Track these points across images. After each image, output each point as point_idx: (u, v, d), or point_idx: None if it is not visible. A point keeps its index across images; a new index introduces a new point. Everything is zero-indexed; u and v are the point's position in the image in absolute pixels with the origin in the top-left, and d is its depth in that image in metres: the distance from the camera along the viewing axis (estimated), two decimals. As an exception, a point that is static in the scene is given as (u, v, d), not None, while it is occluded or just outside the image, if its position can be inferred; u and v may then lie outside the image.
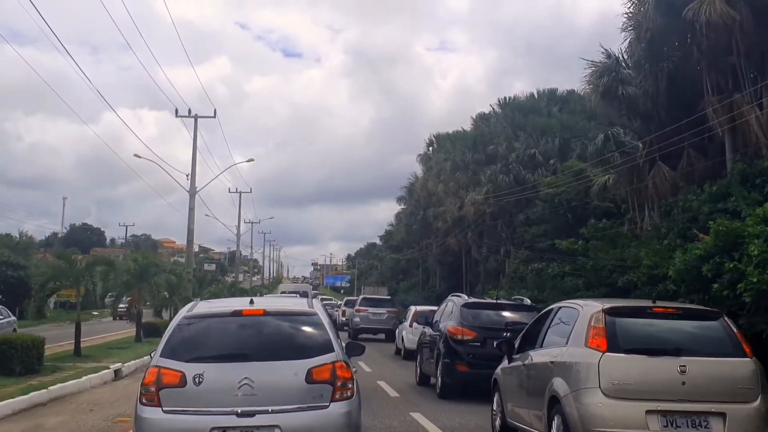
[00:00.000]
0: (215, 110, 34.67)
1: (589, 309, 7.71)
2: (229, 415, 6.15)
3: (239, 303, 7.42)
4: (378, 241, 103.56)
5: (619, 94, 29.53)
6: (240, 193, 58.08)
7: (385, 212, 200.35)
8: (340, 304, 48.46)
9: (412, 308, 25.99)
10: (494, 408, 9.79)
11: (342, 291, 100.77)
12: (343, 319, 39.86)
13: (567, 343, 7.72)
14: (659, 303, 8.11)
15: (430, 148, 63.87)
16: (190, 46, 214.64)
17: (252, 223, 71.76)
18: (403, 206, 70.57)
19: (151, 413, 6.26)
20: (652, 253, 20.07)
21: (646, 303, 8.21)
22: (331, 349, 6.49)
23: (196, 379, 6.23)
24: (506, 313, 14.16)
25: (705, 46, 27.36)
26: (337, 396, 6.29)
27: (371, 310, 33.52)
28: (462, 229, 52.77)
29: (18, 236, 72.56)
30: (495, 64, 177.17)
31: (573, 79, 76.00)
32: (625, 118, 32.41)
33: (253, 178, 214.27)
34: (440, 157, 58.37)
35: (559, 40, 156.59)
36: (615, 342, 7.15)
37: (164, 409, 6.24)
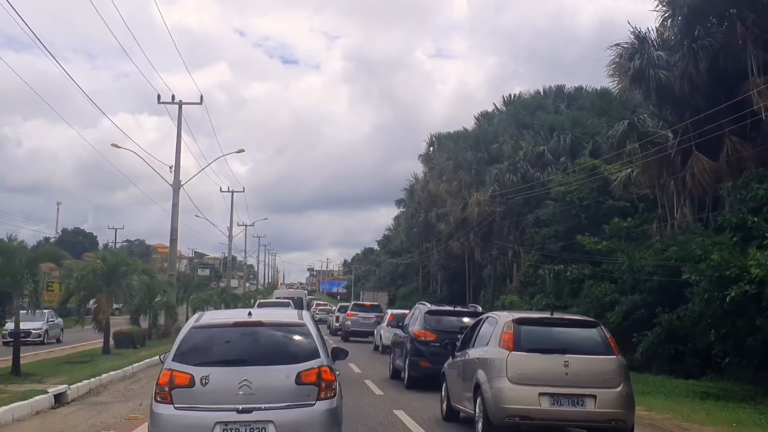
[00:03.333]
0: (202, 96, 30.99)
1: (503, 319, 9.64)
2: (230, 411, 6.70)
3: (239, 315, 7.98)
4: (376, 246, 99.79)
5: (651, 77, 25.81)
6: (232, 192, 53.98)
7: (383, 218, 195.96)
8: (335, 310, 47.12)
9: (389, 311, 28.17)
10: (442, 394, 11.58)
11: (339, 297, 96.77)
12: (337, 324, 39.72)
13: (488, 344, 9.60)
14: (555, 314, 10.18)
15: (431, 149, 59.96)
16: (189, 52, 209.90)
17: (246, 225, 67.41)
18: (402, 209, 66.54)
19: (165, 410, 6.76)
20: (722, 249, 16.06)
21: (545, 315, 10.32)
22: (317, 356, 7.06)
23: (203, 381, 6.75)
24: (461, 319, 15.50)
25: (751, 20, 23.74)
26: (322, 396, 6.88)
27: (361, 314, 34.63)
28: (465, 231, 48.89)
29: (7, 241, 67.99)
30: (496, 70, 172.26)
31: (577, 83, 72.12)
32: (653, 105, 28.60)
33: (251, 185, 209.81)
34: (442, 156, 54.50)
35: (561, 47, 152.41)
36: (519, 344, 9.01)
37: (175, 406, 6.74)
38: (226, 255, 72.03)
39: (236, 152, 36.73)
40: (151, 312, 27.65)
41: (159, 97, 29.74)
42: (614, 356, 9.07)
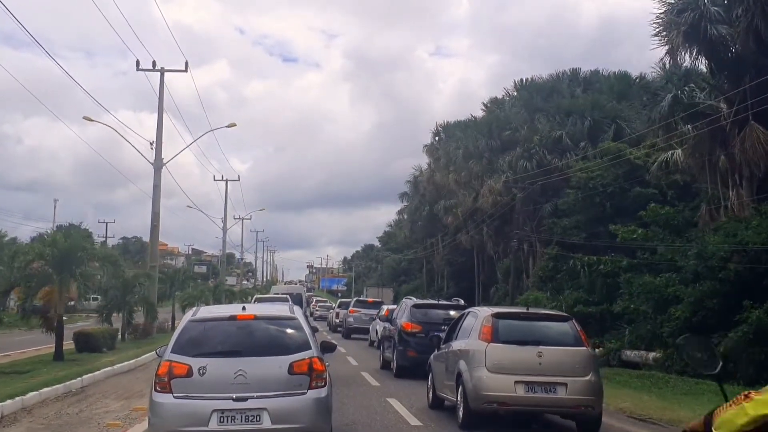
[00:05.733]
0: (187, 63, 26.43)
1: (483, 313, 10.24)
2: (226, 399, 6.71)
3: (234, 309, 7.92)
4: (377, 243, 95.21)
5: (708, 33, 21.51)
6: (226, 180, 49.43)
7: (383, 216, 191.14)
8: (334, 306, 45.16)
9: (384, 307, 27.43)
10: (429, 384, 11.89)
11: (339, 294, 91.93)
12: (337, 320, 38.26)
13: (469, 336, 10.10)
14: (530, 309, 11.91)
15: (437, 138, 55.47)
16: (188, 50, 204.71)
17: (242, 218, 62.69)
18: (406, 203, 61.88)
19: (164, 399, 6.77)
20: None
21: (521, 309, 11.72)
22: (308, 347, 7.15)
23: (200, 371, 6.77)
24: (445, 312, 15.97)
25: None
26: (313, 385, 6.95)
27: (363, 311, 32.82)
28: (476, 224, 44.45)
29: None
30: (497, 68, 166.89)
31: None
32: (706, 69, 24.22)
33: (251, 183, 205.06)
34: (450, 145, 50.03)
35: (562, 44, 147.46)
36: (497, 336, 9.54)
37: (174, 395, 6.76)
38: (226, 252, 67.29)
39: (227, 126, 32.23)
40: (125, 309, 23.11)
41: (138, 63, 25.36)
42: (584, 348, 9.59)
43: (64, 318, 37.72)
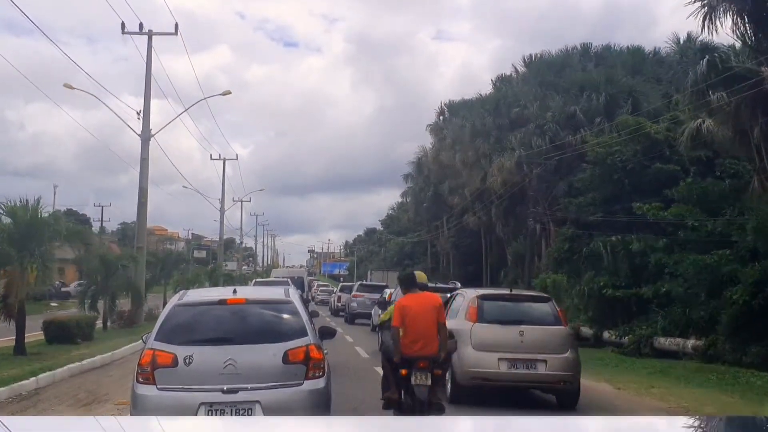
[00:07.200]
0: (177, 25, 23.76)
1: (470, 294, 11.00)
2: (215, 391, 6.21)
3: (224, 292, 7.48)
4: (379, 227, 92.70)
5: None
6: (224, 159, 46.64)
7: (385, 201, 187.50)
8: (336, 290, 43.30)
9: (387, 291, 26.31)
10: None
11: (341, 279, 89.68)
12: (339, 304, 36.71)
13: (456, 317, 10.48)
14: (514, 291, 12.17)
15: (442, 117, 52.81)
16: (191, 35, 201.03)
17: (241, 200, 59.89)
18: (409, 185, 59.27)
19: (147, 390, 6.29)
20: None
21: (505, 291, 11.94)
22: (305, 334, 6.64)
23: (187, 360, 6.27)
24: (441, 294, 14.60)
25: None
26: (310, 375, 6.46)
27: (368, 295, 30.83)
28: (484, 204, 41.94)
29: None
30: (499, 52, 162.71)
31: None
32: (745, 26, 21.56)
33: (252, 168, 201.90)
34: (456, 124, 47.42)
35: (565, 28, 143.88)
36: (482, 316, 10.20)
37: (158, 386, 6.29)
38: (226, 237, 64.77)
39: (221, 94, 29.70)
40: (107, 294, 20.59)
41: (123, 25, 22.80)
42: (563, 327, 10.26)
43: (53, 304, 35.56)
